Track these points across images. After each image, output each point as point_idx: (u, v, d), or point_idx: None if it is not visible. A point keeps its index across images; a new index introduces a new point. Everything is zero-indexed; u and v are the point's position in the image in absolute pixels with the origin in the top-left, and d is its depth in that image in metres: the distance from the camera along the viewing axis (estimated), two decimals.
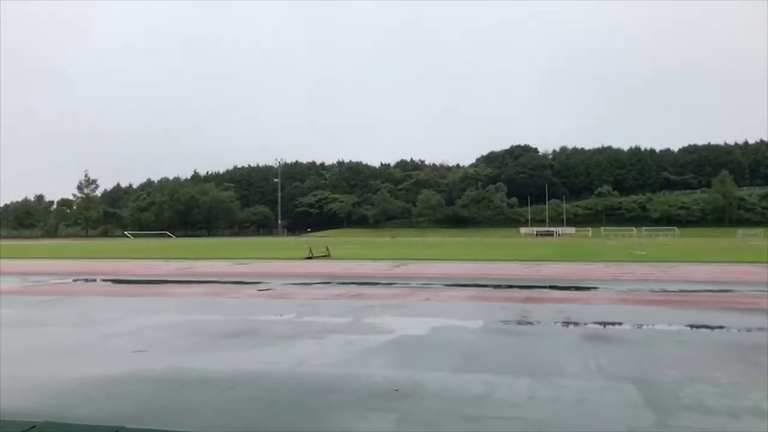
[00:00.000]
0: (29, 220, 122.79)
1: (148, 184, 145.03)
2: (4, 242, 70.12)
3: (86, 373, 5.54)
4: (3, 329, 8.31)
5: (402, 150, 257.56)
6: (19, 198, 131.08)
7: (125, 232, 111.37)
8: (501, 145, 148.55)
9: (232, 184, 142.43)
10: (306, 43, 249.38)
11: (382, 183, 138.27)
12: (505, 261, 24.64)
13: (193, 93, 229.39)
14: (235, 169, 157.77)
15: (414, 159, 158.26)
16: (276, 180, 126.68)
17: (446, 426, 4.06)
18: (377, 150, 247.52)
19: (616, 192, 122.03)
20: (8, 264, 23.79)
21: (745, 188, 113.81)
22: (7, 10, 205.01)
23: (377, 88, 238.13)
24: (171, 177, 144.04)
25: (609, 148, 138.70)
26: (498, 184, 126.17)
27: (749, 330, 8.13)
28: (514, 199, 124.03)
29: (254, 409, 4.42)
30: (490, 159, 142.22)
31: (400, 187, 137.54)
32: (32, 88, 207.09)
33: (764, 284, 14.59)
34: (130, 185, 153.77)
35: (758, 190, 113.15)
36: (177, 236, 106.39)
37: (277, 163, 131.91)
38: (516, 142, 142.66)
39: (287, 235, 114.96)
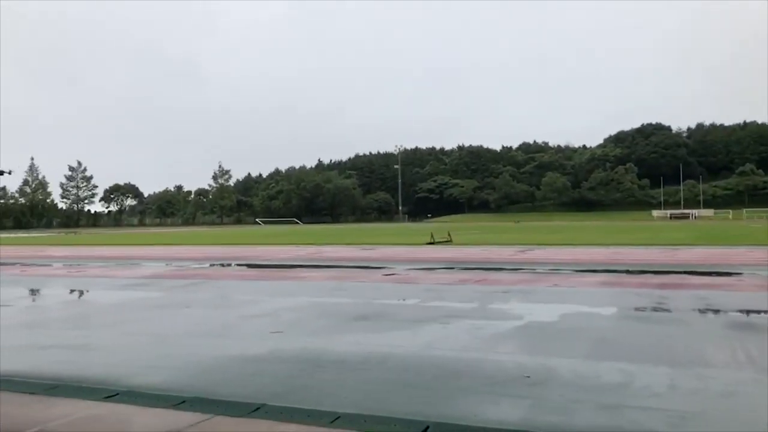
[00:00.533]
0: (170, 209, 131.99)
1: (276, 173, 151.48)
2: (149, 230, 75.94)
3: (229, 353, 5.88)
4: (153, 311, 9.00)
5: (524, 132, 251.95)
6: (160, 189, 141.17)
7: (256, 220, 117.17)
8: (630, 123, 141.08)
9: (354, 172, 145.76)
10: (422, 29, 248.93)
11: (504, 166, 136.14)
12: (637, 245, 23.51)
13: (316, 84, 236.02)
14: (357, 156, 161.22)
15: (537, 141, 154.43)
16: (396, 166, 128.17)
17: (582, 414, 3.93)
18: (498, 133, 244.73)
19: (760, 170, 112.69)
20: (153, 250, 25.74)
21: None
22: (140, 10, 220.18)
23: (496, 69, 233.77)
24: (297, 166, 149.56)
25: (753, 123, 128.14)
26: (628, 164, 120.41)
27: None
28: (645, 181, 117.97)
29: (386, 391, 4.50)
30: (619, 138, 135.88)
31: (522, 170, 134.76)
32: (171, 87, 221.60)
33: None
34: (260, 174, 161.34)
35: None
36: (303, 223, 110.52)
37: (398, 150, 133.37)
38: (647, 120, 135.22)
39: (408, 220, 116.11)
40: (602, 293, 10.12)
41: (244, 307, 9.06)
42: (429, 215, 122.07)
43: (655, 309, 8.29)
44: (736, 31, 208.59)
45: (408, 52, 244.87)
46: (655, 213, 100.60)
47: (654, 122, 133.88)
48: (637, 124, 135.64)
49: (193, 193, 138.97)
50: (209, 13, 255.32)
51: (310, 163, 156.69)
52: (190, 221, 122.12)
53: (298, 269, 15.76)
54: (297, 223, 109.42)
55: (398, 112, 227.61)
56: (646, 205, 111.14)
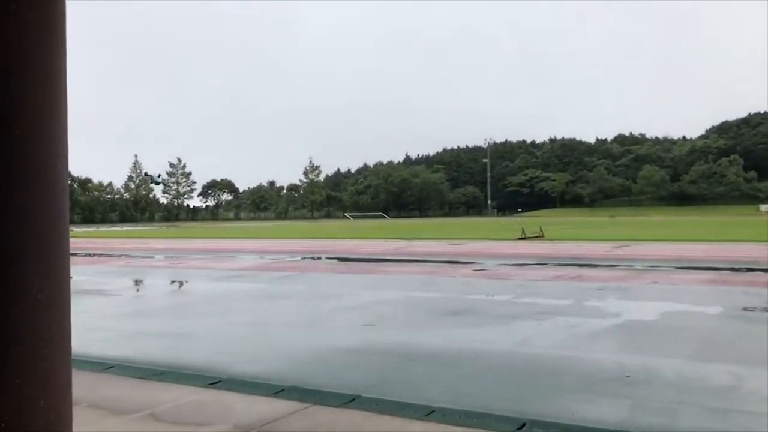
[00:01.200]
0: (263, 203, 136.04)
1: (364, 168, 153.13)
2: (244, 224, 78.66)
3: (323, 344, 6.01)
4: (250, 302, 9.34)
5: (620, 123, 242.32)
6: (254, 184, 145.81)
7: (345, 214, 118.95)
8: (735, 113, 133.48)
9: (442, 166, 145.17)
10: (511, 18, 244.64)
11: (599, 159, 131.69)
12: (743, 242, 22.19)
13: (403, 79, 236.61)
14: (445, 151, 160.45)
15: (633, 132, 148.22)
16: (485, 160, 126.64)
17: (687, 417, 3.77)
18: (592, 124, 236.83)
19: None
20: (248, 243, 26.65)
21: None
22: (234, 11, 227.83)
23: (590, 58, 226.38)
24: (385, 161, 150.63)
25: None
26: (732, 156, 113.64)
27: None
28: (752, 173, 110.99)
29: (481, 387, 4.48)
30: (722, 129, 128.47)
31: (618, 163, 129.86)
32: (264, 86, 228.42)
33: None
34: (349, 170, 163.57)
35: None
36: (391, 217, 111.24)
37: (486, 143, 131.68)
38: (753, 109, 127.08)
39: (497, 215, 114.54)
40: (706, 291, 9.63)
41: (336, 299, 9.23)
42: (519, 210, 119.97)
43: (765, 309, 7.82)
44: None
45: (497, 41, 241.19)
46: (763, 207, 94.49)
47: (762, 111, 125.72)
48: (742, 114, 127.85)
49: (285, 188, 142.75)
50: (296, 12, 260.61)
51: (398, 158, 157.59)
52: (282, 215, 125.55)
53: (387, 263, 15.89)
54: (384, 217, 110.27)
55: (487, 103, 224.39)
56: (752, 198, 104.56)
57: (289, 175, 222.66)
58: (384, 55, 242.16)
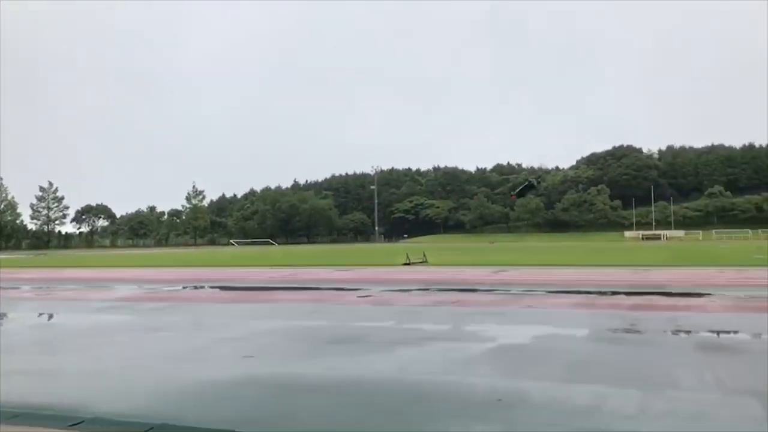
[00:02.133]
0: (143, 229, 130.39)
1: (251, 193, 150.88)
2: (121, 251, 74.88)
3: (199, 377, 5.80)
4: (123, 335, 8.86)
5: (498, 153, 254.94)
6: (133, 209, 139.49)
7: (231, 241, 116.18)
8: (602, 145, 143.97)
9: (331, 192, 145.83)
10: (393, 48, 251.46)
11: (479, 187, 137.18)
12: (610, 266, 23.76)
13: (291, 104, 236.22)
14: (333, 177, 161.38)
15: (511, 162, 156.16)
16: (372, 187, 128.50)
17: None
18: (473, 154, 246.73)
19: (728, 192, 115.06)
20: (124, 272, 25.37)
21: None
22: (113, 28, 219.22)
23: (471, 91, 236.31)
24: (273, 186, 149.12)
25: (720, 146, 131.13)
26: (600, 186, 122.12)
27: None
28: (617, 202, 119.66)
29: (360, 415, 4.47)
30: (591, 160, 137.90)
31: (497, 191, 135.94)
32: (144, 107, 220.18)
33: None
34: (235, 195, 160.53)
35: None
36: (279, 243, 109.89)
37: (374, 171, 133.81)
38: (618, 142, 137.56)
39: (384, 241, 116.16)
40: (575, 314, 10.19)
41: (216, 330, 8.95)
42: (405, 236, 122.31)
43: (627, 330, 8.36)
44: (703, 58, 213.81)
45: (384, 70, 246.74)
46: (627, 234, 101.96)
47: (625, 144, 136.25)
48: (608, 146, 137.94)
49: (166, 213, 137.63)
50: (179, 34, 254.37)
51: (286, 184, 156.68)
52: (163, 242, 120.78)
53: (273, 291, 15.64)
54: (272, 244, 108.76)
55: (375, 131, 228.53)
56: (618, 226, 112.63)
57: (171, 200, 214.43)
58: (272, 80, 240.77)
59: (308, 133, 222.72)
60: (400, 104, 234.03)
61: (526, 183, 28.52)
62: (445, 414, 4.48)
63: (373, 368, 6.15)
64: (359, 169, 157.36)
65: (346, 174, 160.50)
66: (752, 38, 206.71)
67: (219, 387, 5.41)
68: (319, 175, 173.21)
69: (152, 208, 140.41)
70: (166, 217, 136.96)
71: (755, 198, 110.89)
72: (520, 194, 35.40)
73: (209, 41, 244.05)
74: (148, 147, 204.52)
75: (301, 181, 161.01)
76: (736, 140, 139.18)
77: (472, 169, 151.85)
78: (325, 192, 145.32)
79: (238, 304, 13.13)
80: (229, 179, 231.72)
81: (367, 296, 13.42)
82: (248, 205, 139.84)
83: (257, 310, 11.94)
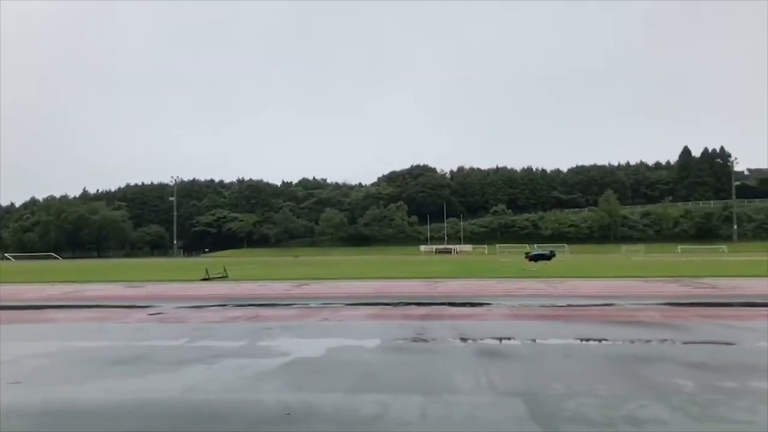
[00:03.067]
0: None
1: (32, 202, 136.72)
2: None
3: None
4: None
5: (304, 168, 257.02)
6: None
7: (6, 255, 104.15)
8: (402, 164, 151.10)
9: (125, 203, 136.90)
10: (195, 54, 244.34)
11: (284, 201, 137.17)
12: (405, 279, 24.94)
13: (83, 107, 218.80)
14: (128, 186, 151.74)
15: (316, 177, 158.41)
16: (171, 198, 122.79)
17: None
18: (278, 168, 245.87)
19: (510, 210, 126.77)
20: None
21: (627, 207, 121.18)
22: None
23: (276, 105, 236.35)
24: (58, 195, 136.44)
25: (503, 168, 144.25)
26: (399, 203, 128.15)
27: (632, 342, 8.60)
28: (414, 218, 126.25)
29: None
30: (391, 178, 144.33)
31: (302, 205, 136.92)
32: None
33: (644, 297, 15.50)
34: (12, 204, 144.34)
35: (639, 208, 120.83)
36: (64, 258, 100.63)
37: (173, 181, 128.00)
38: (416, 162, 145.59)
39: (183, 255, 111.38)
40: (369, 325, 10.52)
41: None
42: (206, 250, 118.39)
43: (415, 339, 8.81)
44: (492, 91, 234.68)
45: (182, 78, 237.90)
46: (423, 248, 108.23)
47: (422, 164, 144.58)
48: (407, 165, 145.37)
49: None
50: None
51: (74, 193, 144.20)
52: None
53: (50, 310, 14.22)
54: (56, 258, 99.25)
55: (174, 141, 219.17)
56: (415, 240, 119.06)
57: None
58: (60, 80, 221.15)
59: (98, 140, 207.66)
60: (202, 114, 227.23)
61: (543, 254, 33.29)
62: None
63: (158, 389, 5.83)
64: (157, 179, 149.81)
65: (143, 184, 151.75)
66: (531, 74, 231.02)
67: None
68: (112, 184, 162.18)
69: None
70: None
71: (532, 216, 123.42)
72: (535, 258, 39.52)
73: None
74: None
75: (92, 191, 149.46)
76: (516, 164, 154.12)
77: (277, 182, 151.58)
78: (118, 203, 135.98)
79: (7, 325, 11.74)
80: (6, 187, 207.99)
81: (158, 313, 12.73)
82: (28, 215, 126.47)
83: (29, 330, 10.79)
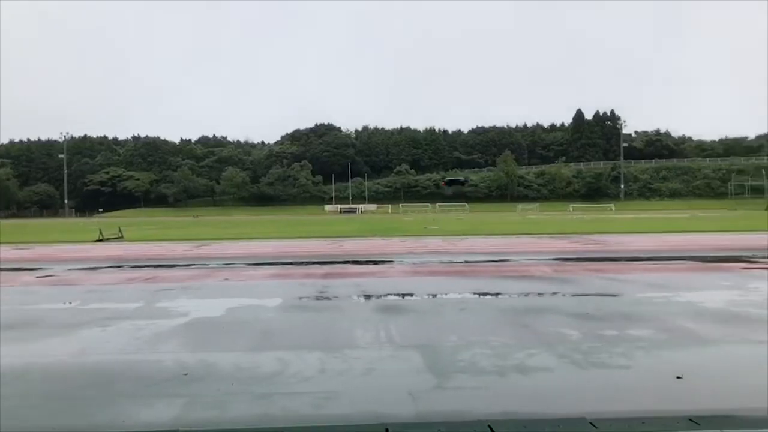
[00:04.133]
0: None
1: None
2: None
3: None
4: None
5: (203, 126, 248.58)
6: None
7: None
8: (306, 123, 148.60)
9: (9, 160, 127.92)
10: (88, 4, 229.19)
11: (183, 160, 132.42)
12: (309, 238, 24.93)
13: None
14: (12, 143, 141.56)
15: (217, 135, 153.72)
16: (61, 156, 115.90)
17: (236, 406, 4.04)
18: (176, 125, 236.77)
19: (413, 170, 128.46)
20: None
21: (524, 167, 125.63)
22: None
23: (172, 58, 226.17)
24: None
25: (407, 128, 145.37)
26: (303, 162, 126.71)
27: (524, 295, 9.04)
28: (319, 177, 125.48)
29: (22, 407, 4.05)
30: (295, 137, 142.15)
31: (202, 164, 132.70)
32: None
33: (536, 253, 16.28)
34: None
35: (534, 169, 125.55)
36: None
37: (63, 138, 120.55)
38: (320, 121, 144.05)
39: (76, 216, 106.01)
40: (271, 285, 10.50)
41: None
42: (101, 210, 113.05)
43: (317, 298, 8.88)
44: (397, 50, 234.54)
45: (66, 28, 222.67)
46: (328, 207, 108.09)
47: (326, 123, 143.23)
48: (311, 124, 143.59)
49: None
50: None
51: None
52: None
53: None
54: None
55: (63, 95, 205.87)
56: (319, 200, 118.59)
57: None
58: None
59: None
60: (93, 66, 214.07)
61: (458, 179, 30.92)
62: (124, 394, 4.29)
63: (47, 353, 5.61)
64: (45, 136, 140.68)
65: (29, 140, 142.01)
66: (433, 36, 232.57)
67: None
68: None
69: None
70: None
71: (434, 176, 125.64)
72: (450, 183, 37.45)
73: None
74: None
75: None
76: (420, 125, 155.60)
77: (175, 140, 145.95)
78: (2, 160, 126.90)
79: None
80: None
81: (48, 276, 12.15)
82: None
83: None
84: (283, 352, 5.52)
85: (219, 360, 5.22)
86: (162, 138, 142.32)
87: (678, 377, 4.61)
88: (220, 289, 10.03)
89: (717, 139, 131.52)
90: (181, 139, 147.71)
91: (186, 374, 4.72)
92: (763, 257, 14.19)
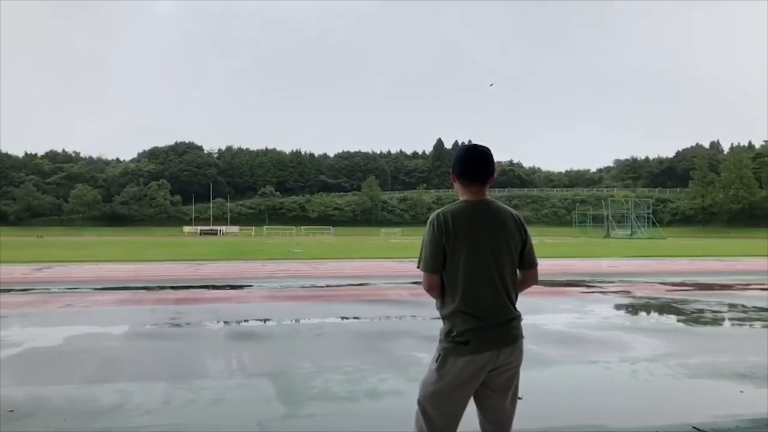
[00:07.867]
0: None
1: None
2: None
3: None
4: None
5: (51, 140, 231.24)
6: None
7: None
8: (165, 141, 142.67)
9: None
10: None
11: (27, 175, 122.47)
12: (164, 261, 23.86)
13: None
14: None
15: (66, 150, 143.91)
16: None
17: None
18: (20, 138, 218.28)
19: (278, 192, 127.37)
20: None
21: (387, 192, 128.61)
22: None
23: (16, 63, 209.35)
24: None
25: (273, 150, 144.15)
26: (161, 181, 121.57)
27: (380, 319, 9.20)
28: (177, 197, 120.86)
29: None
30: (153, 155, 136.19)
31: (48, 180, 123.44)
32: None
33: (395, 277, 16.65)
34: None
35: (397, 194, 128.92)
36: None
37: None
38: (180, 138, 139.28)
39: None
40: (118, 311, 9.93)
41: None
42: None
43: (168, 325, 8.52)
44: (258, 70, 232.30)
45: None
46: (187, 229, 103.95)
47: (187, 141, 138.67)
48: (171, 142, 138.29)
49: None
50: None
51: None
52: None
53: None
54: None
55: None
56: (178, 221, 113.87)
57: None
58: None
59: None
60: None
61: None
62: None
63: None
64: None
65: None
66: (300, 58, 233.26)
67: None
68: None
69: None
70: None
71: (300, 198, 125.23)
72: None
73: None
74: None
75: None
76: (286, 146, 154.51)
77: (19, 154, 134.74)
78: None
79: None
80: None
81: None
82: None
83: None
84: (125, 383, 5.22)
85: (52, 393, 4.84)
86: (3, 151, 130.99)
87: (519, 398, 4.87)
88: (60, 316, 9.34)
89: (563, 171, 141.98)
90: (26, 153, 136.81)
91: (12, 411, 4.33)
92: (600, 282, 15.44)
